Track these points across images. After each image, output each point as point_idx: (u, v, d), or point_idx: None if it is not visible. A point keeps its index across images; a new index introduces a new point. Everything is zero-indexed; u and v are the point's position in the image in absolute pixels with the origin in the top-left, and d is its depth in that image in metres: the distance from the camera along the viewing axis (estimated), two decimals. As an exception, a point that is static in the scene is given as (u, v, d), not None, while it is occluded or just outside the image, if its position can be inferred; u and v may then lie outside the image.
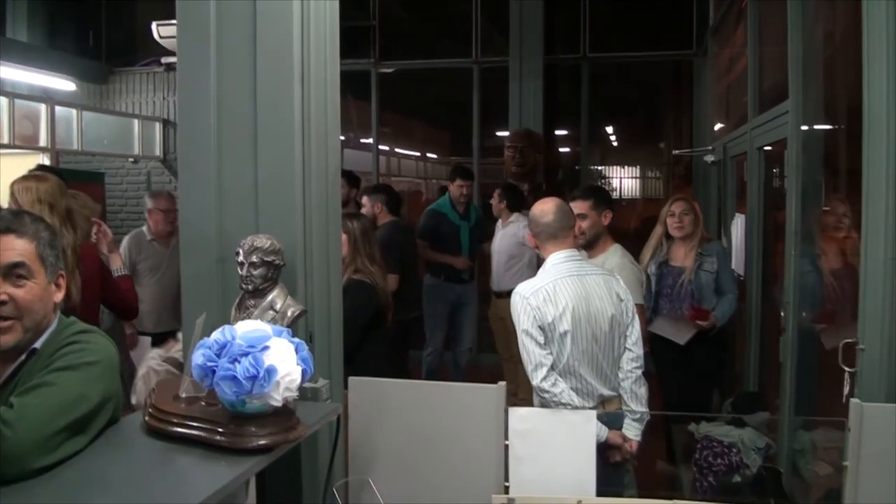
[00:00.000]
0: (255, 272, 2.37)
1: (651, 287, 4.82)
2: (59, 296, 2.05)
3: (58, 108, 7.41)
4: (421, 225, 6.55)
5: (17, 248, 1.94)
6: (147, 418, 2.07)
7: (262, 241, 2.39)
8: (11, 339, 1.94)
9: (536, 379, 3.12)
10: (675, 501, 2.56)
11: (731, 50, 6.75)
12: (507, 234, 6.25)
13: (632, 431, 3.28)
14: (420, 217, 6.86)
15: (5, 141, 6.73)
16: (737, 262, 5.54)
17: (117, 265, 4.14)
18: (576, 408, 3.07)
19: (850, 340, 2.76)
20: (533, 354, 3.14)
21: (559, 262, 3.27)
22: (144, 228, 5.56)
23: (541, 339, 3.15)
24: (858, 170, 2.73)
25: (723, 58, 7.23)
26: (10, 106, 6.72)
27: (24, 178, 3.74)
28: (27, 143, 7.07)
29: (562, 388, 3.11)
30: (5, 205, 3.70)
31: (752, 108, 5.15)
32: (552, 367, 3.15)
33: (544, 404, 3.12)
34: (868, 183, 2.67)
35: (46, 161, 7.27)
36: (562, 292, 3.18)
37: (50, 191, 3.60)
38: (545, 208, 3.34)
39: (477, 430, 2.68)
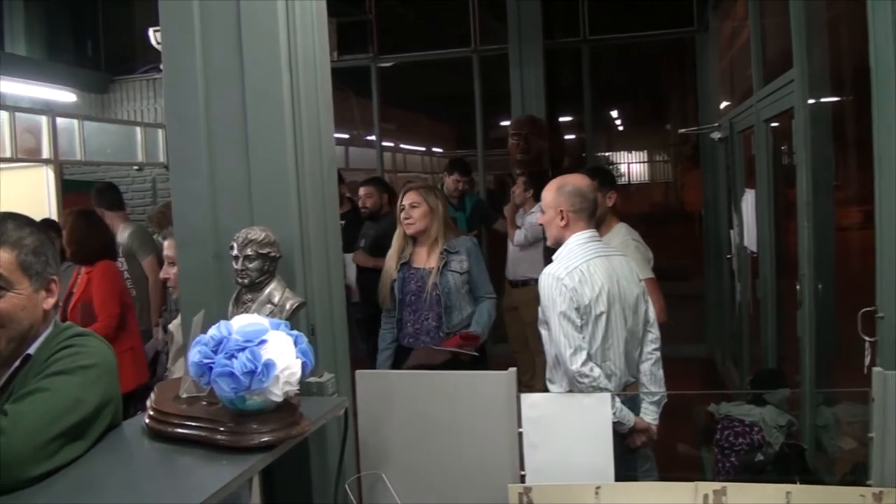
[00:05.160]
0: (250, 265, 2.33)
1: (395, 295, 4.17)
2: (49, 302, 1.98)
3: (59, 120, 7.36)
4: None
5: None
6: (148, 420, 2.02)
7: (257, 234, 2.34)
8: None
9: (577, 363, 2.96)
10: (697, 483, 2.49)
11: (733, 23, 6.65)
12: (528, 222, 6.08)
13: (650, 415, 3.19)
14: None
15: (7, 154, 6.70)
16: (749, 239, 5.45)
17: None
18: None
19: (868, 309, 2.69)
20: (572, 338, 2.99)
21: (584, 243, 3.15)
22: None
23: (578, 322, 3.01)
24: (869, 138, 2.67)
25: (724, 32, 7.13)
26: (10, 120, 6.68)
27: None
28: (30, 155, 7.04)
29: (599, 373, 2.98)
30: None
31: (757, 79, 5.06)
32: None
33: (580, 392, 2.98)
34: (879, 149, 2.60)
35: (51, 174, 7.26)
36: (596, 273, 3.06)
37: None
38: (590, 184, 3.24)
39: (489, 418, 2.61)
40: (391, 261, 4.18)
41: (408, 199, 4.11)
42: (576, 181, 3.24)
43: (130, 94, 9.19)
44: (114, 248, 5.27)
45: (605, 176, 4.08)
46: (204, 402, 2.02)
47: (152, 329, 5.74)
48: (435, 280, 4.02)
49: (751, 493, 2.46)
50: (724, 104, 7.33)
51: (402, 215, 4.12)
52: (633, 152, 11.07)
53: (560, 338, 3.02)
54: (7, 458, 1.66)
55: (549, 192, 3.26)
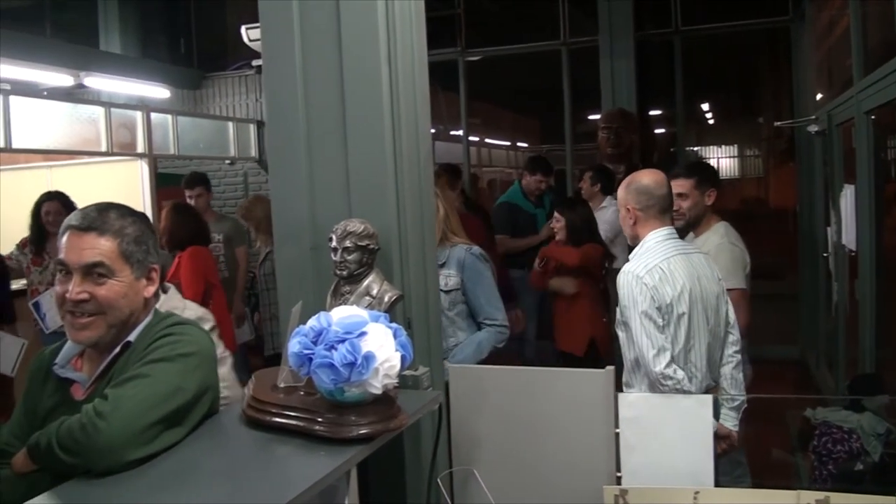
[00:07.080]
0: (349, 257, 2.33)
1: None
2: (150, 290, 2.03)
3: (153, 115, 7.57)
4: (496, 219, 6.34)
5: (98, 247, 1.92)
6: (245, 409, 2.03)
7: (356, 226, 2.34)
8: (94, 334, 1.94)
9: (660, 365, 2.83)
10: (799, 491, 2.40)
11: (831, 12, 6.42)
12: (601, 219, 5.94)
13: (729, 421, 3.05)
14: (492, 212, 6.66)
15: (104, 149, 6.92)
16: (847, 237, 5.26)
17: None
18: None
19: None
20: (655, 338, 2.87)
21: (662, 240, 3.02)
22: None
23: (660, 322, 2.89)
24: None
25: (822, 21, 6.89)
26: (107, 115, 6.89)
27: None
28: (125, 150, 7.26)
29: (682, 375, 2.86)
30: None
31: (858, 69, 4.86)
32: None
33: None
34: None
35: (146, 167, 7.46)
36: (677, 271, 2.94)
37: None
38: (659, 180, 3.08)
39: (585, 417, 2.57)
40: None
41: None
42: (643, 177, 3.12)
43: (222, 91, 9.37)
44: (203, 235, 5.52)
45: (703, 172, 3.87)
46: (302, 392, 2.02)
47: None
48: None
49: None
50: (819, 96, 7.10)
51: None
52: (724, 146, 10.77)
53: (642, 338, 2.90)
54: (106, 442, 1.69)
55: (620, 190, 3.17)
